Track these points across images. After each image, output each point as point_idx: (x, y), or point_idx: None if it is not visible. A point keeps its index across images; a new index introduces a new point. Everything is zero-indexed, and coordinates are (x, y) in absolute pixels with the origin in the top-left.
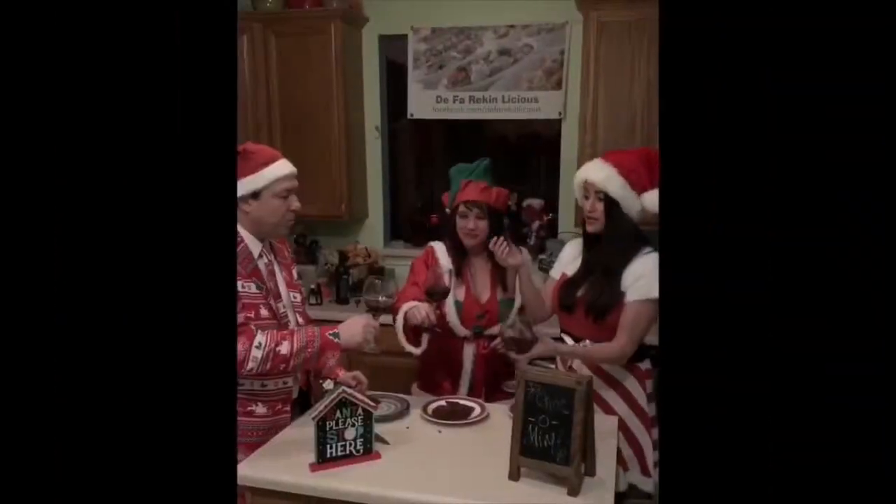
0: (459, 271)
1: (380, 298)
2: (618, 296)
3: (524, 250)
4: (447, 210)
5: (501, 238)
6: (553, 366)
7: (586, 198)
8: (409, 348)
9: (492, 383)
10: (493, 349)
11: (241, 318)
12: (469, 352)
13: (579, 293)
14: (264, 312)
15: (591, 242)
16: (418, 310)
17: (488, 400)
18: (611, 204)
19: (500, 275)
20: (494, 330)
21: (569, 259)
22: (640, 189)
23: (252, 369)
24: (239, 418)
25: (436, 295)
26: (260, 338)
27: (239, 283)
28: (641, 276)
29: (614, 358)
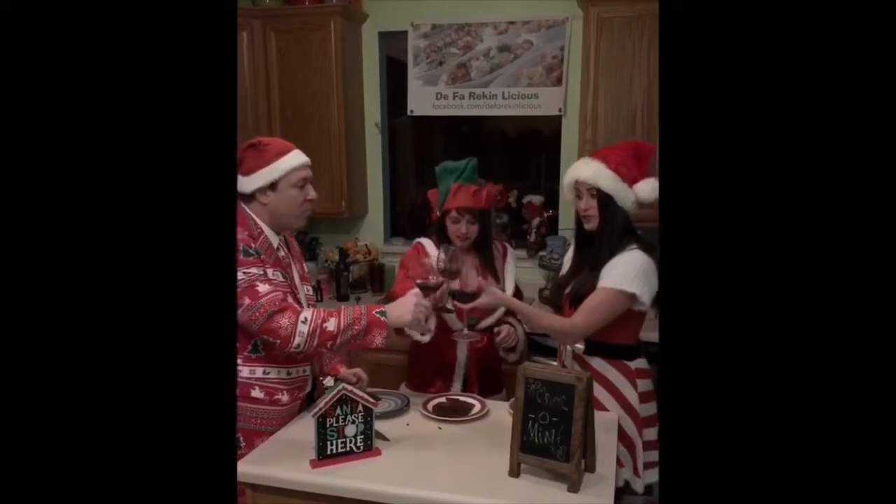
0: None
1: (430, 278)
2: (594, 283)
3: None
4: (436, 211)
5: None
6: (555, 363)
7: (579, 198)
8: (418, 337)
9: (485, 378)
10: (485, 343)
11: (280, 295)
12: (462, 346)
13: (567, 290)
14: (291, 301)
15: (583, 241)
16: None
17: (482, 395)
18: (604, 199)
19: (489, 268)
20: (488, 321)
21: (567, 261)
22: (630, 181)
23: (299, 345)
24: (265, 407)
25: (450, 273)
26: (306, 313)
27: (269, 271)
28: (616, 267)
29: (562, 331)
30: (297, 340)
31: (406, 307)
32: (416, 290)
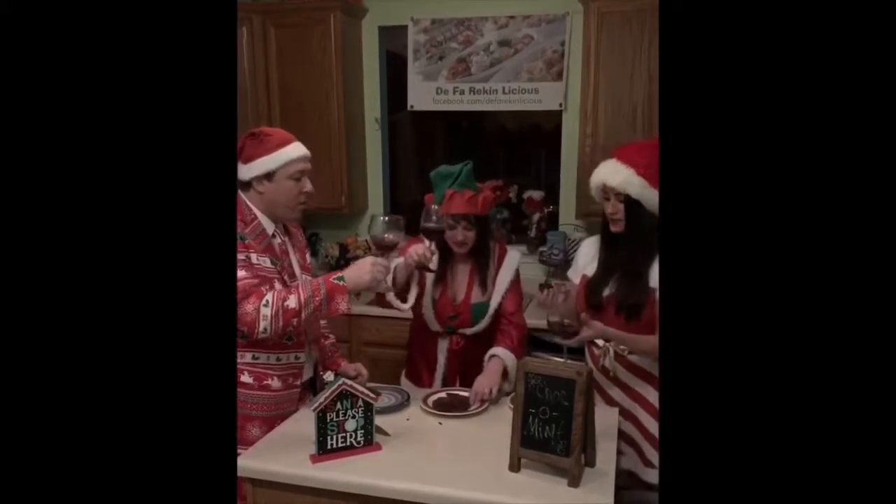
0: (442, 271)
1: (385, 236)
2: (648, 292)
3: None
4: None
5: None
6: (558, 358)
7: (606, 199)
8: (398, 304)
9: (465, 377)
10: (464, 345)
11: (252, 282)
12: (443, 346)
13: (606, 292)
14: (279, 287)
15: (610, 241)
16: (415, 250)
17: None
18: (632, 203)
19: (479, 277)
20: (467, 331)
21: (587, 260)
22: (657, 184)
23: (265, 329)
24: (254, 392)
25: (430, 233)
26: (267, 296)
27: (254, 256)
28: None
29: (656, 351)
30: (262, 325)
31: (362, 268)
32: (374, 249)
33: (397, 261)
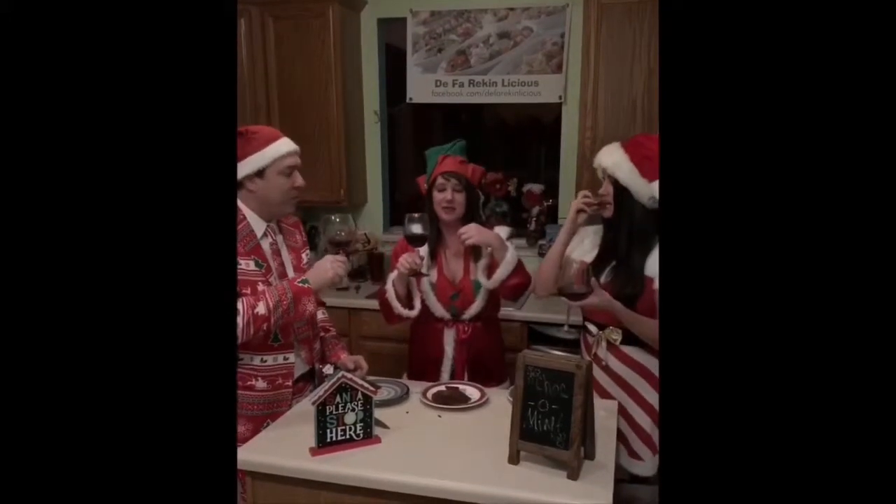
0: (434, 251)
1: (340, 233)
2: (643, 282)
3: (496, 229)
4: (425, 185)
5: (469, 226)
6: (556, 351)
7: (604, 179)
8: (405, 312)
9: (474, 368)
10: (472, 333)
11: None
12: (450, 337)
13: (602, 279)
14: (262, 289)
15: (606, 228)
16: (404, 259)
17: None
18: (620, 189)
19: (474, 253)
20: (471, 312)
21: (589, 245)
22: (651, 177)
23: (238, 337)
24: (238, 392)
25: (414, 240)
26: (238, 305)
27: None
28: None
29: (657, 336)
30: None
31: (323, 267)
32: (331, 248)
33: (392, 275)
